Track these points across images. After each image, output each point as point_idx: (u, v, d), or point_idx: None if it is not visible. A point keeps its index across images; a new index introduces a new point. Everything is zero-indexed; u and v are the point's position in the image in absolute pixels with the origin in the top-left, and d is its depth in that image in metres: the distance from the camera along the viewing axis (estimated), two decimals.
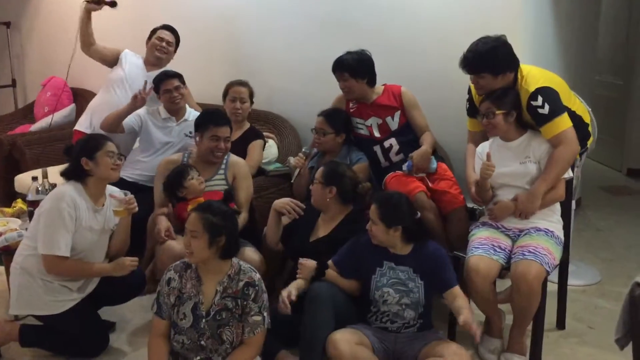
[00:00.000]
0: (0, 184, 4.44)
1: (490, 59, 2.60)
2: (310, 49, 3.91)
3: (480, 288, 2.50)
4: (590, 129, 2.94)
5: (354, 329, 2.41)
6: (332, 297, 2.41)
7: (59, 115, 4.86)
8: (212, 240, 2.19)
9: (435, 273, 2.41)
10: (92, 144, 2.65)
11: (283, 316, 2.35)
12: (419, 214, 2.47)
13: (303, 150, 3.25)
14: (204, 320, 2.23)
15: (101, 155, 2.60)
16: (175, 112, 3.64)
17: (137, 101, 3.48)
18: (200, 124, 3.09)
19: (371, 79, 3.20)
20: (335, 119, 3.16)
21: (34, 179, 3.13)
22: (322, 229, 2.73)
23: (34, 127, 4.88)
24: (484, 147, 2.79)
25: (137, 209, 2.69)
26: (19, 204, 3.41)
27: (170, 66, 3.87)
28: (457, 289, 2.39)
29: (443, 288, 2.40)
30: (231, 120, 3.20)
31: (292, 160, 3.29)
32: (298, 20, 3.95)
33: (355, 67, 3.13)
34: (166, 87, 3.56)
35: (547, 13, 3.62)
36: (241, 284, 2.25)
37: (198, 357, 2.26)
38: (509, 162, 2.68)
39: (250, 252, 2.86)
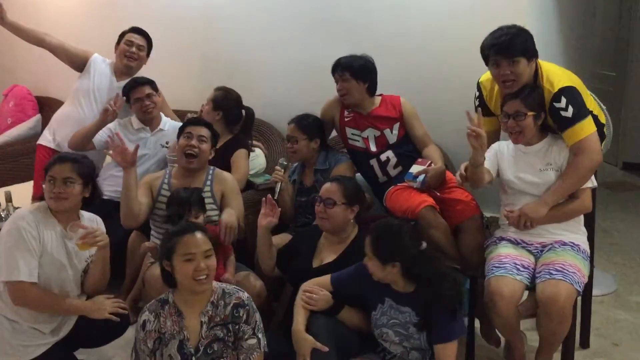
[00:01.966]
0: None
1: (524, 41, 2.36)
2: (297, 49, 3.67)
3: (504, 312, 2.25)
4: (605, 129, 2.72)
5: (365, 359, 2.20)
6: (333, 331, 2.17)
7: (23, 128, 4.50)
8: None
9: (435, 319, 2.09)
10: (48, 164, 2.36)
11: (280, 347, 2.14)
12: (424, 244, 2.16)
13: (279, 161, 3.00)
14: (194, 359, 1.99)
15: (46, 179, 2.31)
16: (149, 121, 3.38)
17: (108, 115, 3.20)
18: (180, 128, 2.87)
19: (372, 87, 2.95)
20: (307, 123, 2.95)
21: None
22: (327, 253, 2.44)
23: None
24: (500, 146, 2.54)
25: (103, 241, 2.29)
26: None
27: (144, 71, 3.54)
28: (451, 348, 2.06)
29: (436, 339, 2.08)
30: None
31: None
32: (283, 19, 3.72)
33: (358, 69, 2.88)
34: (137, 95, 3.31)
35: (550, 8, 3.41)
36: (229, 307, 2.03)
37: None
38: (528, 168, 2.44)
39: (252, 279, 2.62)
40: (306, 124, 2.94)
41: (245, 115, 3.35)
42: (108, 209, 3.06)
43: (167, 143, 3.33)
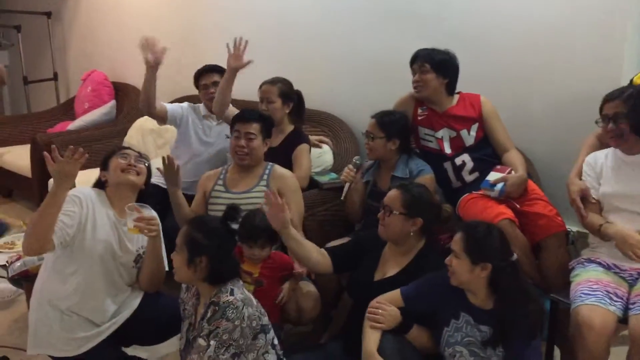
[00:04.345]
0: (36, 189, 4.16)
1: None
2: (366, 42, 3.47)
3: (594, 346, 1.97)
4: None
5: None
6: (399, 351, 1.97)
7: (97, 113, 4.56)
8: (190, 259, 1.93)
9: (512, 343, 1.87)
10: (106, 155, 2.38)
11: None
12: (515, 256, 1.93)
13: (353, 160, 2.80)
14: (189, 346, 1.97)
15: (112, 161, 2.30)
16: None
17: (150, 66, 2.98)
18: (231, 125, 2.76)
19: (451, 84, 2.71)
20: (388, 121, 2.69)
21: None
22: (390, 266, 2.23)
23: (72, 125, 4.61)
24: (596, 158, 2.26)
25: (155, 232, 2.19)
26: None
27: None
28: None
29: None
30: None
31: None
32: (356, 10, 3.49)
33: (439, 62, 2.65)
34: (204, 81, 3.32)
35: None
36: (208, 304, 1.93)
37: None
38: (631, 181, 2.14)
39: (305, 285, 2.46)
40: (386, 121, 2.69)
41: (297, 99, 3.18)
42: (168, 201, 3.01)
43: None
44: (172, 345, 2.66)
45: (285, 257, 2.44)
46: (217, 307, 1.88)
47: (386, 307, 2.02)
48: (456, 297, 1.97)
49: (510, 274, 1.89)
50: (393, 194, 2.21)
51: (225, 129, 3.24)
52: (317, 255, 2.26)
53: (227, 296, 1.90)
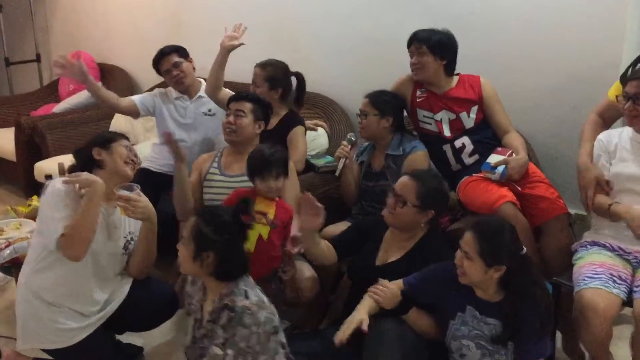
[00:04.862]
0: (22, 173, 4.07)
1: None
2: (366, 22, 3.38)
3: (597, 329, 1.95)
4: None
5: None
6: (400, 337, 1.95)
7: (83, 95, 4.43)
8: (197, 253, 1.83)
9: (523, 334, 1.85)
10: (108, 135, 2.32)
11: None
12: (525, 249, 1.89)
13: (347, 136, 2.78)
14: (196, 343, 1.90)
15: (117, 146, 2.24)
16: (186, 90, 3.20)
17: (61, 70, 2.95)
18: (227, 107, 2.71)
19: (450, 65, 2.66)
20: (381, 99, 2.68)
21: (47, 177, 2.69)
22: (393, 251, 2.19)
23: (57, 107, 4.50)
24: (610, 136, 2.23)
25: (139, 214, 2.13)
26: (34, 202, 3.01)
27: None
28: None
29: (519, 357, 1.86)
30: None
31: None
32: None
33: (436, 43, 2.59)
34: (164, 67, 3.13)
35: None
36: (220, 306, 1.84)
37: None
38: None
39: (305, 270, 2.42)
40: (379, 100, 2.67)
41: (297, 82, 3.11)
42: (162, 184, 2.94)
43: (209, 111, 3.15)
44: (167, 333, 2.64)
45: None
46: (232, 313, 1.79)
47: (389, 285, 2.00)
48: (462, 290, 1.93)
49: (522, 270, 1.84)
50: (408, 183, 2.13)
51: (200, 106, 3.17)
52: (328, 250, 2.25)
53: (242, 300, 1.81)
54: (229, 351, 1.77)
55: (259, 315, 1.78)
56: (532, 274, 1.88)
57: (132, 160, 2.25)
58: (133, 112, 3.19)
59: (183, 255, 1.88)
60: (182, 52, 3.14)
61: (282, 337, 1.88)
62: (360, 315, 1.95)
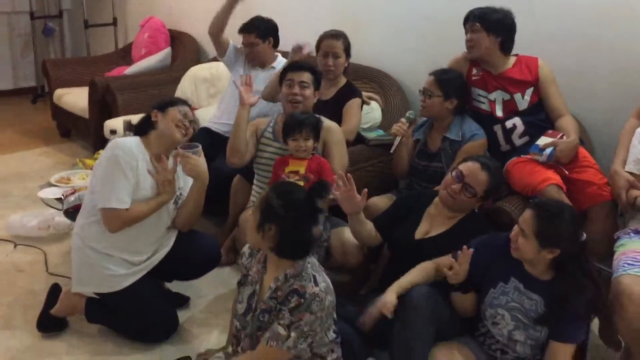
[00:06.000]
0: (92, 129, 4.31)
1: None
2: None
3: (632, 316, 1.93)
4: None
5: (461, 344, 2.01)
6: (434, 307, 1.98)
7: (152, 60, 4.63)
8: (261, 223, 1.81)
9: (567, 316, 1.85)
10: (170, 100, 2.47)
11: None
12: (584, 235, 1.88)
13: (407, 114, 2.76)
14: (250, 314, 1.92)
15: (172, 110, 2.37)
16: (259, 65, 3.44)
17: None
18: (281, 75, 2.74)
19: (506, 43, 2.62)
20: (448, 80, 2.63)
21: (112, 132, 2.87)
22: (435, 225, 2.23)
23: (129, 70, 4.70)
24: None
25: (188, 170, 2.31)
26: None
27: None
28: (569, 351, 1.86)
29: (557, 336, 1.87)
30: (322, 77, 2.81)
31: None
32: None
33: (491, 21, 2.57)
34: (244, 40, 3.39)
35: None
36: (289, 289, 1.82)
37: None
38: None
39: (347, 234, 2.48)
40: (445, 79, 2.63)
41: None
42: (220, 145, 3.06)
43: None
44: (214, 287, 2.78)
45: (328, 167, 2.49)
46: (302, 300, 1.78)
47: (464, 263, 1.97)
48: (509, 262, 1.94)
49: (577, 256, 1.85)
50: (481, 176, 2.16)
51: (271, 75, 3.21)
52: (373, 231, 2.32)
53: (312, 287, 1.80)
54: (293, 333, 1.79)
55: (325, 301, 1.81)
56: (587, 261, 1.87)
57: (185, 125, 2.35)
58: (222, 50, 3.42)
59: (250, 222, 1.87)
60: (261, 33, 3.34)
61: (335, 314, 1.93)
62: (388, 298, 1.98)
